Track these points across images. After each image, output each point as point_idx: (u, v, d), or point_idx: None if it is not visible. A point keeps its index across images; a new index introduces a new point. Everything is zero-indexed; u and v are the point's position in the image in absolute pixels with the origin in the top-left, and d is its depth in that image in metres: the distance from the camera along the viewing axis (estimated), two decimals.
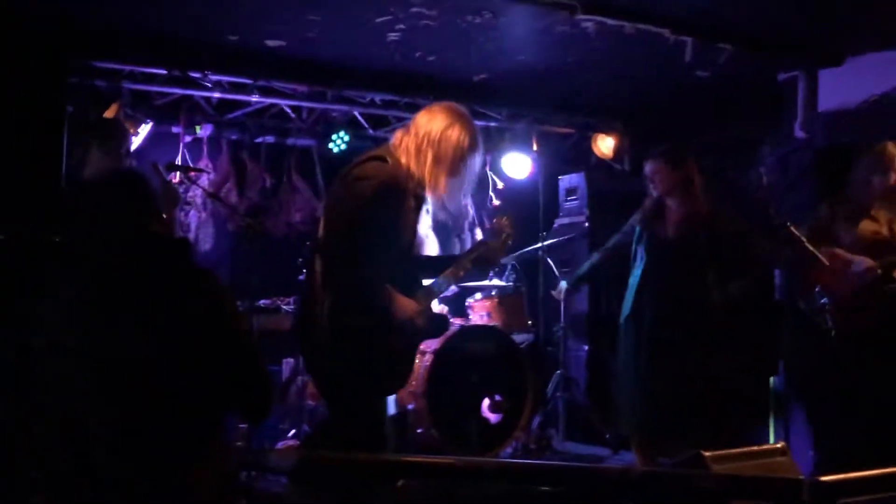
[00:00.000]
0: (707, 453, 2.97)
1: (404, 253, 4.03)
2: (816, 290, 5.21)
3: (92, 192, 2.92)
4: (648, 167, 5.39)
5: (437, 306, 6.90)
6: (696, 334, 5.26)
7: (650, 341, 5.30)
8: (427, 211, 4.37)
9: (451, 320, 6.94)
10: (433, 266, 4.40)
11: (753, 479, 2.67)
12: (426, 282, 4.23)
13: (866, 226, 5.28)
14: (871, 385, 5.24)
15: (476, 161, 4.13)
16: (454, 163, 4.02)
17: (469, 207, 8.47)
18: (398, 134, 4.12)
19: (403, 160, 4.02)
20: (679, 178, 5.34)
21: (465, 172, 4.08)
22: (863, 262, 5.13)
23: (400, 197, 3.93)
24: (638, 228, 5.47)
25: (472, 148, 4.08)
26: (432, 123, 4.05)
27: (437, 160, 3.99)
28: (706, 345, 5.28)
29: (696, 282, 5.28)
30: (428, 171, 3.99)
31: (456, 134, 4.03)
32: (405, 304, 3.97)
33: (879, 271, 5.11)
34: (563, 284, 6.31)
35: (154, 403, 2.69)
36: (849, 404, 5.26)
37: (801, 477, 2.64)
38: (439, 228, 7.51)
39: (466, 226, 8.35)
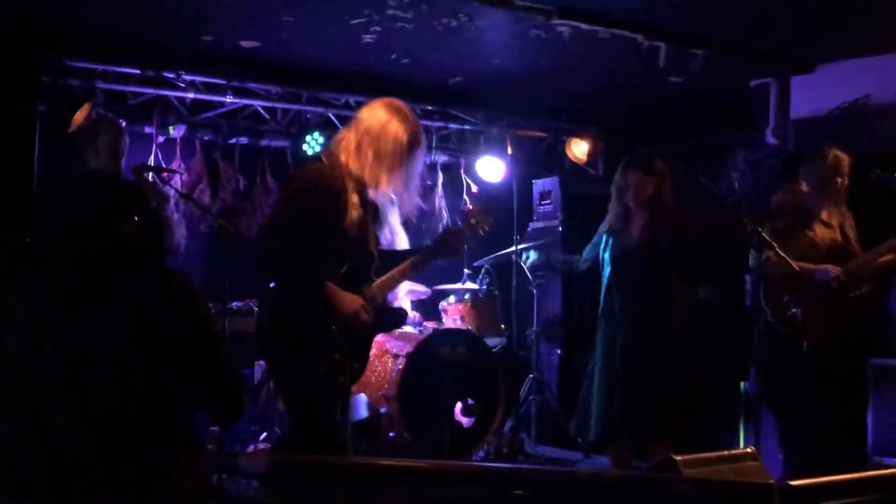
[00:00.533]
0: (679, 458, 2.98)
1: (347, 250, 4.05)
2: (784, 299, 5.25)
3: (63, 192, 2.90)
4: (630, 176, 5.38)
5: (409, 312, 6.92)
6: (665, 339, 5.29)
7: (620, 347, 5.33)
8: (392, 207, 4.36)
9: (425, 324, 6.93)
10: (394, 261, 4.37)
11: (725, 483, 2.69)
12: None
13: (821, 232, 5.33)
14: (839, 392, 5.29)
15: (418, 156, 4.15)
16: (394, 158, 4.05)
17: (443, 211, 8.47)
18: (342, 132, 4.18)
19: (343, 158, 4.08)
20: (655, 188, 5.36)
21: (407, 167, 4.10)
22: (828, 270, 5.17)
23: (325, 196, 3.97)
24: (605, 237, 5.50)
25: (413, 143, 4.10)
26: (372, 119, 4.10)
27: (377, 156, 4.03)
28: (675, 350, 5.31)
29: (661, 287, 5.31)
30: (368, 168, 4.02)
31: (395, 129, 4.06)
32: (347, 299, 4.01)
33: (844, 278, 5.16)
34: (533, 256, 6.31)
35: (123, 406, 2.67)
36: (817, 410, 5.30)
37: (772, 481, 2.66)
38: (413, 232, 7.51)
39: (440, 228, 8.34)
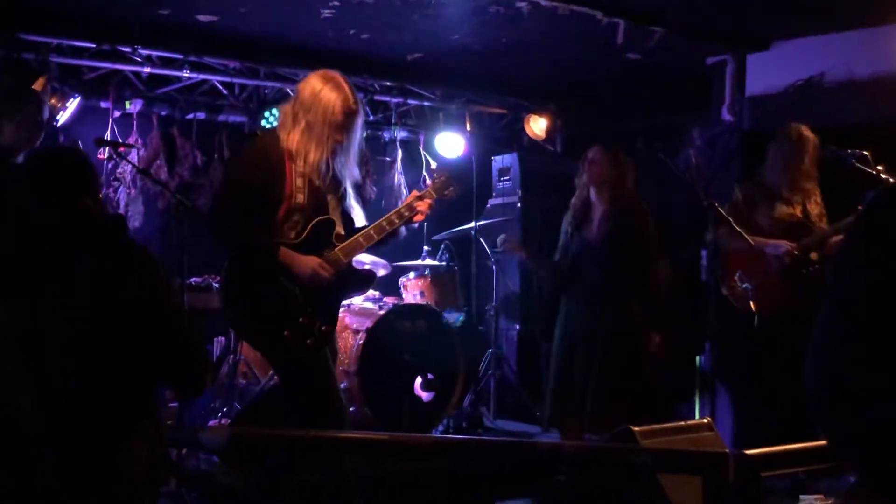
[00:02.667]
0: (636, 428, 3.03)
1: (300, 217, 4.09)
2: (737, 275, 5.32)
3: (24, 166, 2.88)
4: (591, 154, 5.41)
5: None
6: (621, 319, 5.32)
7: (577, 326, 5.37)
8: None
9: (385, 300, 6.94)
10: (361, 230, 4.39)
11: (682, 453, 2.74)
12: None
13: (782, 209, 5.40)
14: (790, 366, 5.38)
15: (354, 126, 4.14)
16: (325, 128, 4.06)
17: (402, 187, 8.46)
18: (282, 106, 4.23)
19: (282, 133, 4.12)
20: (614, 175, 5.38)
21: (342, 138, 4.11)
22: (780, 245, 5.26)
23: (260, 166, 4.04)
24: (568, 230, 5.52)
25: (347, 113, 4.09)
26: (305, 90, 4.12)
27: (308, 126, 4.06)
28: (631, 325, 5.35)
29: (619, 282, 5.34)
30: (297, 139, 4.04)
31: (325, 98, 4.06)
32: (303, 260, 4.05)
33: (797, 253, 5.24)
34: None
35: (85, 380, 2.66)
36: (768, 384, 5.39)
37: (727, 450, 2.71)
38: (372, 208, 7.50)
39: (399, 204, 8.33)
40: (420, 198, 4.42)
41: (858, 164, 5.13)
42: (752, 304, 5.21)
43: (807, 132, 5.37)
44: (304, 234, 4.10)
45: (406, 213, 4.37)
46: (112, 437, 2.69)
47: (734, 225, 5.04)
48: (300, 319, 4.05)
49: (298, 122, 4.07)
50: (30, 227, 2.74)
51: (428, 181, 7.93)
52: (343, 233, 4.24)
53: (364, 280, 4.50)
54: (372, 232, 4.28)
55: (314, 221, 4.13)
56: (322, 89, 4.07)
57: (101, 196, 2.92)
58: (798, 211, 5.40)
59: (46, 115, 5.68)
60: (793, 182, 5.40)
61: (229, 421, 6.08)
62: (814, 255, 5.31)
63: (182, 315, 2.90)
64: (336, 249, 4.19)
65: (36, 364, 2.62)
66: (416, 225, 4.72)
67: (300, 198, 4.07)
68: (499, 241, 6.04)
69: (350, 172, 4.23)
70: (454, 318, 7.01)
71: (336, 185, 4.23)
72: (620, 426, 3.12)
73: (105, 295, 2.70)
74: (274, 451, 3.62)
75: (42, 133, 5.41)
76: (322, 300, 4.13)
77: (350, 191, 4.32)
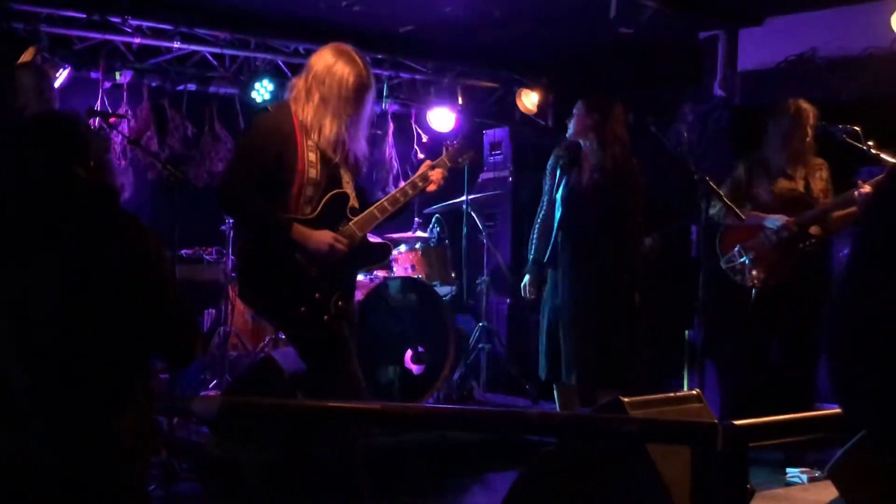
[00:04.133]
0: (626, 399, 3.04)
1: (313, 191, 4.07)
2: (736, 248, 5.35)
3: (16, 133, 2.86)
4: (575, 108, 5.39)
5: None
6: (612, 286, 5.32)
7: (567, 293, 5.36)
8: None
9: (375, 273, 6.95)
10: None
11: (671, 423, 2.75)
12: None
13: (783, 184, 5.42)
14: (785, 339, 5.41)
15: (366, 100, 4.14)
16: (339, 102, 4.04)
17: (393, 161, 8.45)
18: (294, 80, 4.18)
19: (294, 107, 4.10)
20: (592, 122, 5.29)
21: (354, 112, 4.10)
22: (777, 219, 5.28)
23: (273, 140, 4.01)
24: (558, 173, 5.43)
25: (360, 87, 4.08)
26: (319, 63, 4.10)
27: (323, 100, 4.04)
28: (622, 297, 5.35)
29: (609, 235, 5.30)
30: (312, 113, 4.02)
31: (340, 71, 4.04)
32: (317, 235, 4.04)
33: (795, 228, 5.26)
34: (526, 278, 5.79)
35: (75, 349, 2.66)
36: (760, 357, 5.43)
37: (716, 421, 2.73)
38: (364, 182, 7.51)
39: (391, 179, 8.34)
40: (433, 167, 4.41)
41: (849, 140, 5.15)
42: (751, 275, 5.24)
43: (805, 105, 5.37)
44: (319, 209, 4.09)
45: (420, 184, 4.35)
46: (102, 405, 2.69)
47: (725, 199, 5.06)
48: (316, 295, 4.04)
49: (312, 95, 4.04)
50: (15, 191, 2.73)
51: (420, 154, 7.95)
52: (357, 206, 4.24)
53: (380, 252, 4.47)
54: (386, 204, 4.26)
55: (328, 195, 4.12)
56: (336, 63, 4.05)
57: (101, 164, 2.89)
58: (800, 186, 5.42)
59: (50, 84, 5.65)
60: (793, 157, 5.41)
61: (219, 393, 6.10)
62: (814, 230, 5.34)
63: (172, 285, 2.90)
64: (351, 223, 4.17)
65: (24, 331, 2.62)
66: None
67: (313, 172, 4.06)
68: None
69: (359, 146, 4.23)
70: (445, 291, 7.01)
71: (348, 158, 4.23)
72: (610, 396, 3.14)
73: (92, 263, 2.69)
74: (266, 421, 3.63)
75: (52, 102, 5.39)
76: (337, 275, 4.13)
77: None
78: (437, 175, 4.38)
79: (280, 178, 4.01)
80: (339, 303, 4.10)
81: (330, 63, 4.06)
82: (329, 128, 4.04)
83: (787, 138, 5.39)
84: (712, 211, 5.24)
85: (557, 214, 5.39)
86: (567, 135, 5.44)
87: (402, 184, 4.54)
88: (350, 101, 4.06)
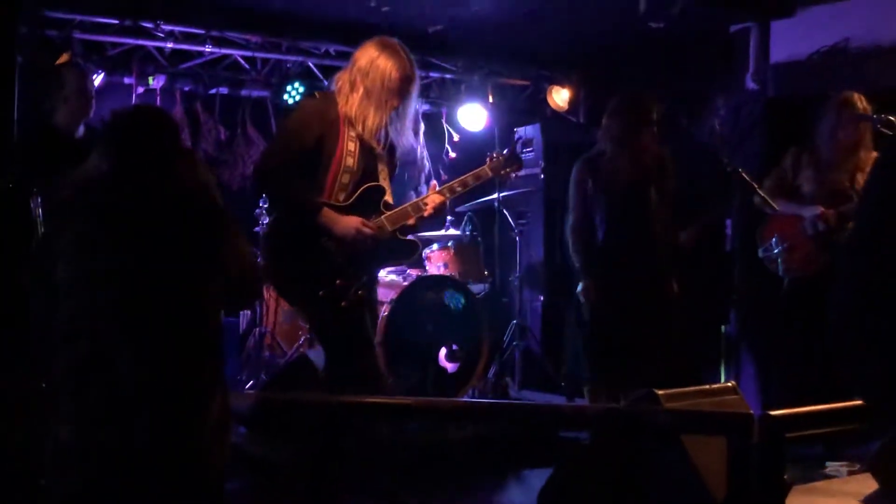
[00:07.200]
0: (660, 392, 3.04)
1: (349, 179, 4.13)
2: (773, 238, 5.32)
3: (116, 128, 2.93)
4: (611, 106, 5.33)
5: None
6: (651, 283, 5.29)
7: (604, 290, 5.31)
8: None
9: (409, 271, 6.96)
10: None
11: (706, 414, 2.75)
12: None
13: (829, 176, 5.37)
14: (818, 330, 5.36)
15: (411, 92, 4.17)
16: (383, 94, 4.09)
17: (425, 160, 8.46)
18: (338, 74, 4.22)
19: (338, 99, 4.17)
20: (619, 125, 5.24)
21: (398, 104, 4.12)
22: (814, 209, 5.25)
23: (317, 124, 4.08)
24: (590, 184, 5.37)
25: (403, 79, 4.13)
26: (363, 57, 4.17)
27: (367, 93, 4.08)
28: (660, 293, 5.32)
29: (648, 230, 5.27)
30: (356, 105, 4.07)
31: (383, 64, 4.09)
32: (345, 220, 4.09)
33: (832, 220, 5.22)
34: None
35: (177, 335, 2.74)
36: (796, 349, 5.38)
37: (752, 412, 2.72)
38: (396, 181, 7.52)
39: (423, 178, 8.35)
40: (481, 175, 4.52)
41: (884, 129, 5.10)
42: (783, 265, 5.23)
43: (852, 97, 5.29)
44: (353, 198, 4.15)
45: (469, 187, 4.48)
46: (197, 395, 2.75)
47: (759, 191, 5.03)
48: (337, 281, 4.08)
49: (356, 88, 4.12)
50: (128, 188, 2.79)
51: (451, 153, 7.95)
52: (391, 202, 4.28)
53: (407, 249, 4.48)
54: (421, 204, 4.32)
55: (364, 186, 4.17)
56: (379, 56, 4.12)
57: (189, 151, 3.03)
58: (845, 179, 5.37)
59: (91, 84, 5.74)
60: (842, 150, 5.35)
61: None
62: (851, 224, 5.29)
63: (245, 249, 2.99)
64: (383, 217, 4.22)
65: (127, 312, 2.68)
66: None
67: (350, 161, 4.13)
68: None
69: (406, 138, 4.28)
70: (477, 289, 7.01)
71: (391, 153, 4.27)
72: (645, 390, 3.13)
73: (190, 248, 2.82)
74: (302, 418, 3.65)
75: (92, 102, 5.48)
76: (362, 264, 4.18)
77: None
78: (434, 200, 4.37)
79: (318, 161, 4.09)
80: (360, 292, 4.12)
81: (374, 56, 4.12)
82: (373, 119, 4.11)
83: (834, 130, 5.35)
84: (756, 200, 5.19)
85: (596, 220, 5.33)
86: (597, 137, 5.39)
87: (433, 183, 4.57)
88: (394, 93, 4.13)
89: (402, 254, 4.54)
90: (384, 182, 4.25)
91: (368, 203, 4.19)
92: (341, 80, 4.19)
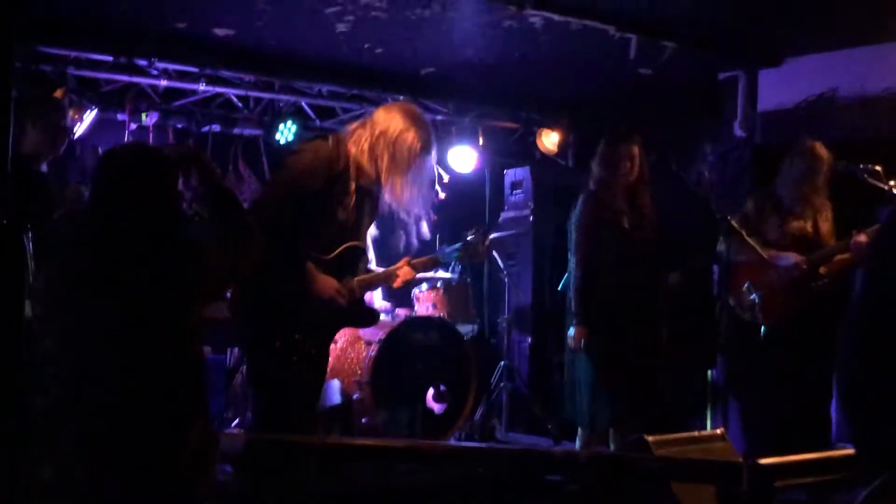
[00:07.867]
0: (650, 438, 3.05)
1: (338, 235, 4.12)
2: (745, 286, 5.35)
3: (106, 167, 2.96)
4: (624, 148, 5.25)
5: (381, 302, 6.95)
6: (640, 328, 5.31)
7: (599, 335, 5.29)
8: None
9: (397, 311, 6.97)
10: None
11: (696, 462, 2.76)
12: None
13: (793, 223, 5.43)
14: (795, 377, 5.39)
15: (429, 164, 4.24)
16: (409, 164, 4.13)
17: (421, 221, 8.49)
18: (353, 125, 4.24)
19: (353, 150, 4.14)
20: (605, 171, 5.27)
21: (420, 174, 4.19)
22: (789, 257, 5.29)
23: (325, 171, 4.04)
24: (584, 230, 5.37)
25: (426, 152, 4.20)
26: (389, 123, 4.16)
27: (393, 160, 4.10)
28: (648, 338, 5.34)
29: (644, 276, 5.31)
30: (385, 171, 4.11)
31: (411, 137, 4.13)
32: (324, 281, 4.06)
33: (805, 267, 5.26)
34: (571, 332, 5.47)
35: (151, 357, 2.74)
36: (774, 396, 5.40)
37: (741, 460, 2.74)
38: (383, 221, 7.55)
39: (412, 219, 8.36)
40: (471, 243, 4.64)
41: (870, 179, 5.15)
42: (759, 314, 5.24)
43: (821, 149, 5.38)
44: (335, 254, 4.13)
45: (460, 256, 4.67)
46: (182, 412, 2.76)
47: (746, 237, 5.08)
48: (296, 336, 4.04)
49: (379, 153, 4.10)
50: (116, 223, 2.82)
51: (441, 194, 7.99)
52: (369, 259, 4.31)
53: (368, 317, 4.51)
54: (392, 275, 4.42)
55: (347, 245, 4.16)
56: (409, 128, 4.13)
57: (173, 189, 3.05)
58: (809, 226, 5.43)
59: (69, 121, 5.75)
60: (805, 197, 5.42)
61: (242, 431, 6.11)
62: (822, 270, 5.35)
63: (219, 268, 3.07)
64: (355, 280, 4.22)
65: (98, 353, 2.69)
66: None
67: (345, 215, 4.12)
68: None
69: (419, 207, 4.28)
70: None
71: (375, 211, 4.29)
72: (635, 435, 3.14)
73: (177, 286, 2.85)
74: (289, 458, 3.65)
75: (66, 139, 5.49)
76: (322, 324, 4.15)
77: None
78: (405, 274, 4.47)
79: (316, 207, 4.04)
80: (312, 351, 4.09)
81: (401, 127, 4.12)
82: (401, 187, 4.12)
83: (800, 180, 5.41)
84: (720, 247, 5.25)
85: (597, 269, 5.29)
86: (589, 182, 5.39)
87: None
88: (417, 166, 4.16)
89: (362, 321, 4.57)
90: (367, 232, 4.30)
91: (348, 262, 4.18)
92: (357, 134, 4.16)
